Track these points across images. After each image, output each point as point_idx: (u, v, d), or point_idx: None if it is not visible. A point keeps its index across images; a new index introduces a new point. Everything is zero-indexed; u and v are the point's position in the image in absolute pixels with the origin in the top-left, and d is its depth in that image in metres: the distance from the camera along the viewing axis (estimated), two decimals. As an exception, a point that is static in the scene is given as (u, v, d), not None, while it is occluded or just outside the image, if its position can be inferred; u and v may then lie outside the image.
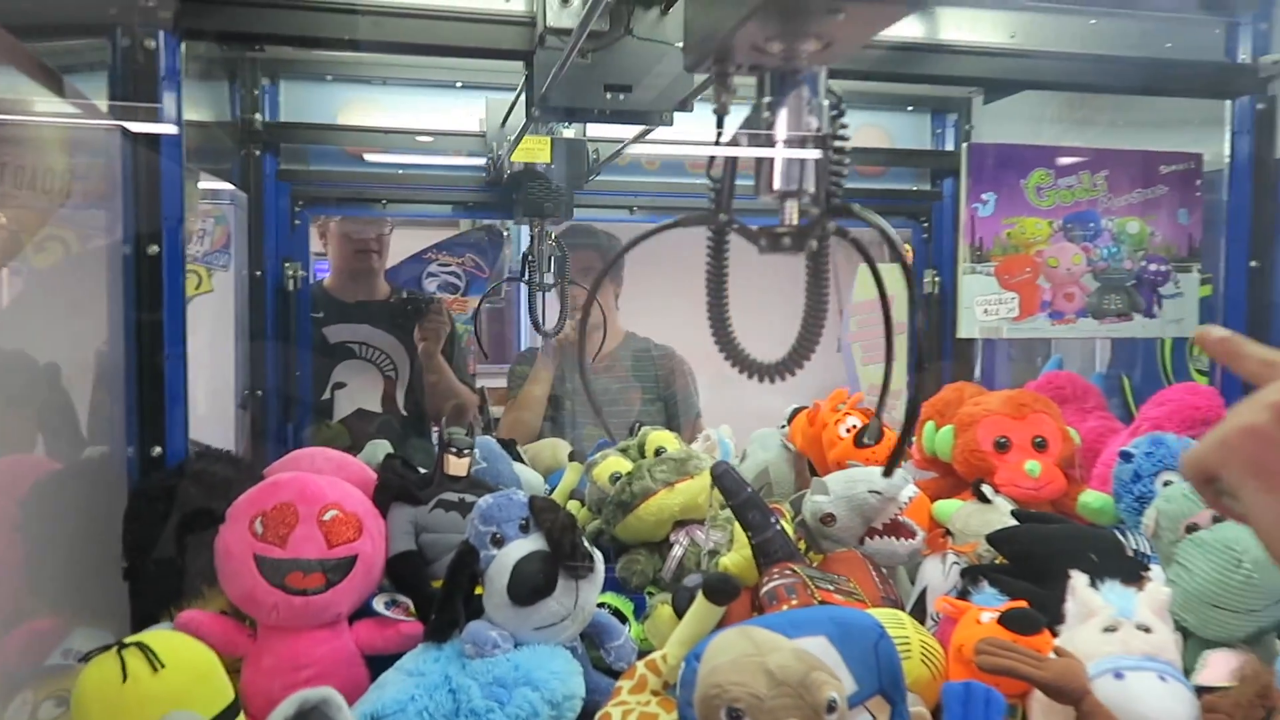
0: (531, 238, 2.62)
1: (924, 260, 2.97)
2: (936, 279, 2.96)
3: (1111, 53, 2.06)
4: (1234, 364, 0.56)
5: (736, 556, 1.61)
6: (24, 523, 1.51)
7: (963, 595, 1.56)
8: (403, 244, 3.98)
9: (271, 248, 2.63)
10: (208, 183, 2.47)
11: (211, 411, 2.75)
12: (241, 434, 2.62)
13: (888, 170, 2.99)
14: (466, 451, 1.73)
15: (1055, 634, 1.31)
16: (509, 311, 5.16)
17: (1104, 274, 2.28)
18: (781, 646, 1.05)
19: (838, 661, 1.17)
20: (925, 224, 3.00)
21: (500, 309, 5.08)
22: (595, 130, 2.30)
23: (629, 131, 1.98)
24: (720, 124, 1.02)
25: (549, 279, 2.63)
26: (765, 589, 1.46)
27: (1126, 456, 1.76)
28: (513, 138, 2.19)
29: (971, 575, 1.56)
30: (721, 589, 1.35)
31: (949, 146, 2.95)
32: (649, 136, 1.93)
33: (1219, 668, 1.25)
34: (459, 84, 2.66)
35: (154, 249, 1.59)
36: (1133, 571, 1.50)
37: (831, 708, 1.01)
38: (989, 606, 1.39)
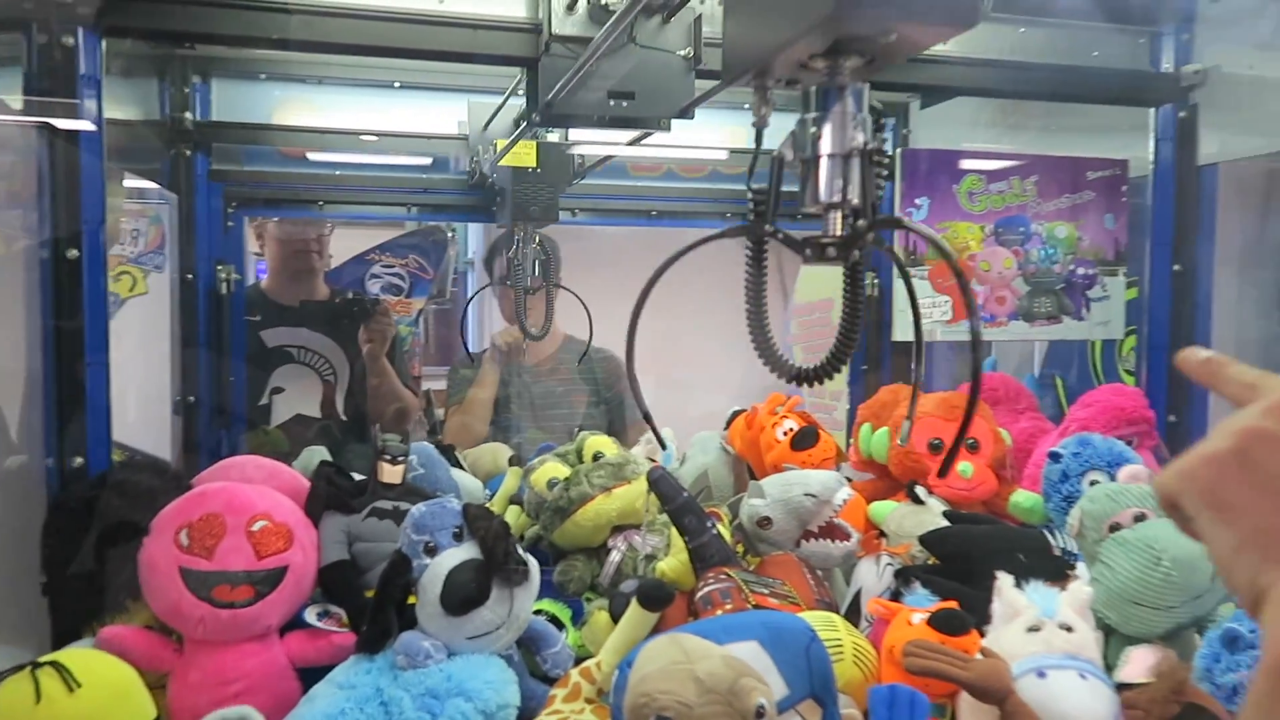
0: (516, 241, 2.62)
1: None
2: (876, 281, 2.99)
3: (1041, 60, 2.10)
4: (1215, 386, 0.56)
5: (674, 561, 1.61)
6: (-65, 538, 1.46)
7: (896, 596, 1.58)
8: (348, 244, 3.92)
9: (203, 250, 2.57)
10: (134, 183, 2.41)
11: (148, 418, 2.68)
12: (177, 441, 2.56)
13: (826, 174, 3.02)
14: (401, 459, 1.71)
15: (983, 634, 1.33)
16: (456, 313, 5.11)
17: (1034, 278, 2.33)
18: (711, 653, 1.05)
19: (769, 666, 1.17)
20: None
21: (447, 310, 5.03)
22: (575, 134, 2.29)
23: (613, 136, 2.00)
24: (759, 137, 1.05)
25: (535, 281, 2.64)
26: (700, 594, 1.46)
27: (1055, 457, 1.79)
28: (497, 141, 2.21)
29: (904, 576, 1.58)
30: (655, 595, 1.35)
31: (888, 150, 2.98)
32: (624, 141, 1.95)
33: (1139, 664, 1.28)
34: (397, 84, 2.63)
35: (73, 252, 1.54)
36: (1059, 570, 1.54)
37: (760, 713, 1.01)
38: (920, 607, 1.41)
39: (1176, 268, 2.24)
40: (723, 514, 1.83)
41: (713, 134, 2.62)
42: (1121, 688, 1.23)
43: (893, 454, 1.94)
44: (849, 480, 2.14)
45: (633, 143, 1.93)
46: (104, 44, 1.58)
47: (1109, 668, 1.38)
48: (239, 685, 1.46)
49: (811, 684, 1.18)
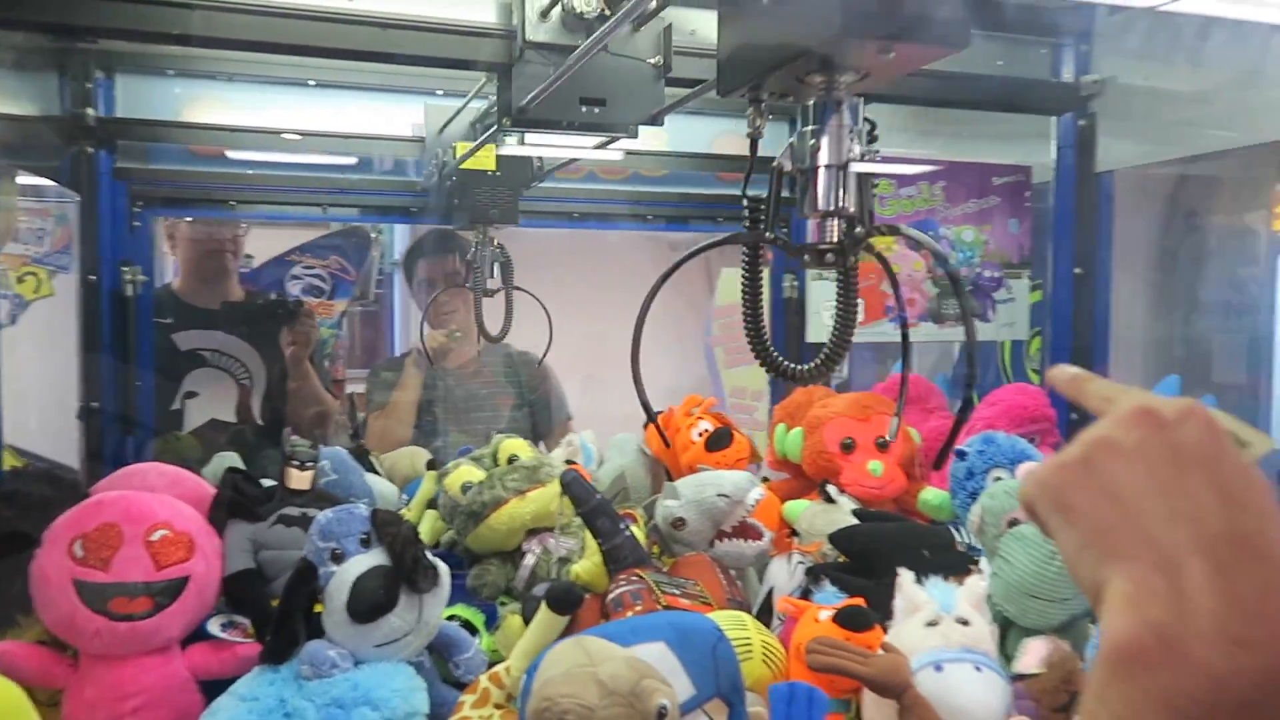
0: (475, 244, 2.61)
1: (783, 264, 3.04)
2: (795, 283, 3.04)
3: (948, 69, 2.16)
4: (1080, 400, 0.59)
5: (588, 564, 1.61)
6: None
7: (807, 594, 1.60)
8: (269, 245, 3.84)
9: (108, 251, 2.48)
10: (30, 180, 2.32)
11: (52, 425, 2.59)
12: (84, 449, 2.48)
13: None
14: (310, 464, 1.68)
15: (886, 629, 1.36)
16: (382, 314, 5.02)
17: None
18: (614, 656, 1.05)
19: (676, 667, 1.18)
20: (784, 229, 3.07)
21: (373, 312, 4.95)
22: (532, 139, 2.29)
23: (573, 141, 2.03)
24: (754, 148, 1.11)
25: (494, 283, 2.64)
26: (611, 596, 1.46)
27: (961, 455, 1.84)
28: (457, 145, 2.23)
29: (814, 574, 1.60)
30: (564, 599, 1.35)
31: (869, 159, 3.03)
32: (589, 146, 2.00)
33: (1034, 655, 1.33)
34: (312, 82, 2.58)
35: (-47, 254, 1.48)
36: (963, 566, 1.58)
37: (662, 714, 1.02)
38: (828, 605, 1.44)
39: (1078, 271, 2.32)
40: (638, 515, 1.84)
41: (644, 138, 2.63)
42: (1017, 678, 1.27)
43: (806, 453, 1.97)
44: (766, 480, 2.18)
45: (599, 147, 1.98)
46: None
47: (1009, 659, 1.43)
48: (137, 700, 1.42)
49: (718, 683, 1.20)
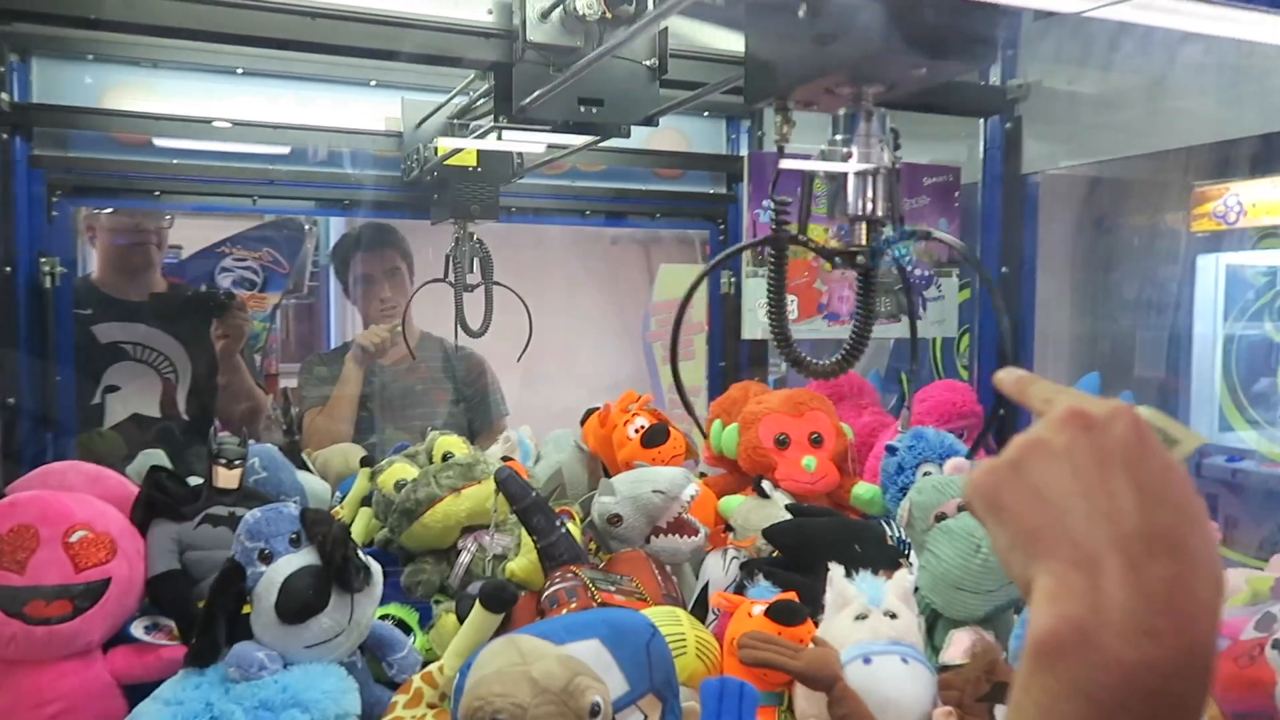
0: (456, 239, 2.58)
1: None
2: (733, 279, 3.06)
3: (881, 70, 2.19)
4: (1023, 402, 0.61)
5: (523, 561, 1.61)
6: None
7: (741, 589, 1.62)
8: (200, 235, 3.75)
9: (24, 240, 2.39)
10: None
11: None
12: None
13: (685, 174, 3.07)
14: (237, 462, 1.64)
15: (818, 623, 1.39)
16: (318, 307, 4.93)
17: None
18: (547, 654, 1.05)
19: (610, 664, 1.18)
20: (721, 226, 3.10)
21: (309, 304, 4.85)
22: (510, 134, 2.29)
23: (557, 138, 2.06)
24: (781, 153, 1.18)
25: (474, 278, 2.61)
26: (547, 594, 1.46)
27: (891, 450, 1.88)
28: (439, 143, 2.24)
29: (748, 569, 1.62)
30: (497, 597, 1.34)
31: (743, 152, 3.05)
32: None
33: (959, 646, 1.36)
34: (240, 70, 2.52)
35: None
36: (893, 560, 1.61)
37: (595, 712, 1.02)
38: (761, 599, 1.45)
39: (1004, 270, 2.38)
40: (575, 512, 1.84)
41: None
42: (943, 669, 1.30)
43: (741, 449, 1.99)
44: (703, 475, 2.19)
45: (588, 146, 2.05)
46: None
47: (937, 649, 1.46)
48: (57, 706, 1.39)
49: (652, 679, 1.20)
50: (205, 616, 1.38)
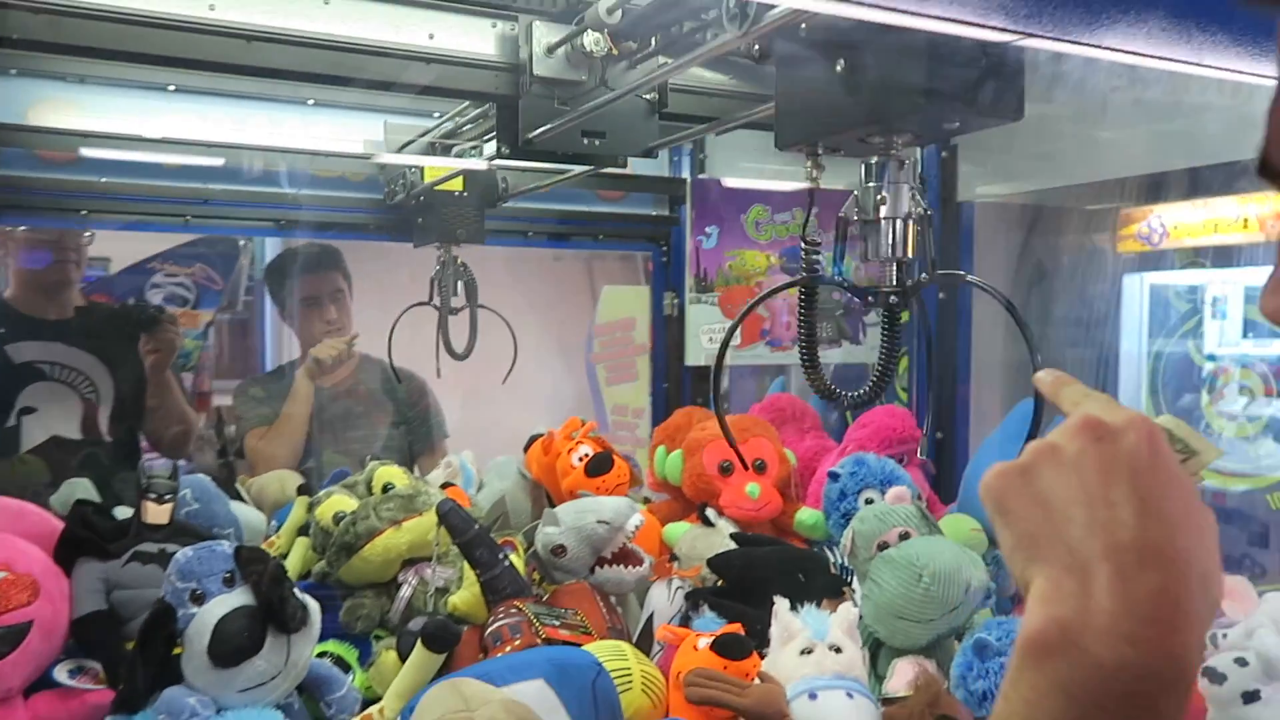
0: (441, 262, 2.58)
1: (663, 283, 3.07)
2: (675, 301, 3.06)
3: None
4: (1056, 403, 0.64)
5: (466, 594, 1.58)
6: None
7: (686, 620, 1.62)
8: (130, 249, 3.64)
9: (-62, 260, 2.30)
10: None
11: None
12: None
13: (627, 195, 3.07)
14: (168, 496, 1.59)
15: (764, 655, 1.39)
16: (253, 324, 4.81)
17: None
18: (491, 699, 1.04)
19: (555, 705, 1.17)
20: (664, 248, 3.10)
21: (244, 321, 4.74)
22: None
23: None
24: (811, 198, 1.26)
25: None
26: (490, 630, 1.44)
27: (834, 476, 1.89)
28: (426, 168, 2.28)
29: (693, 600, 1.62)
30: (440, 636, 1.32)
31: (684, 174, 3.07)
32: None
33: (902, 677, 1.37)
34: (171, 87, 2.45)
35: None
36: (836, 589, 1.62)
37: (540, 758, 1.01)
38: (707, 631, 1.45)
39: (941, 296, 2.42)
40: (518, 543, 1.81)
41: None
42: (886, 701, 1.32)
43: (685, 476, 1.99)
44: (647, 501, 2.19)
45: (583, 174, 2.06)
46: None
47: (880, 679, 1.47)
48: (-27, 757, 1.32)
49: (598, 718, 1.19)
50: (133, 660, 1.33)
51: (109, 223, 2.67)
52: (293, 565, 1.85)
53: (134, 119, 2.45)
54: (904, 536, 1.54)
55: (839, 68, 1.13)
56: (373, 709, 1.34)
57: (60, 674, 1.43)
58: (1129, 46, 1.07)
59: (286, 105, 2.58)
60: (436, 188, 2.38)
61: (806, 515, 1.97)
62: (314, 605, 1.40)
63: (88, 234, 2.76)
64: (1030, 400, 2.01)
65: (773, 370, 2.98)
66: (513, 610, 1.47)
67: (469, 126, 2.07)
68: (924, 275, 1.23)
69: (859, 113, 1.12)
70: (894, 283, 1.21)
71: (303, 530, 1.94)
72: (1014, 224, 2.58)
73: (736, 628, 1.45)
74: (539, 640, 1.40)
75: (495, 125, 1.75)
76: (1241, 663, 1.21)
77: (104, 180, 2.51)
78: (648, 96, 1.70)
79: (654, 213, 3.12)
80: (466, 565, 1.58)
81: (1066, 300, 3.31)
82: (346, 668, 1.60)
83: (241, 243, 4.23)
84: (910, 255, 1.18)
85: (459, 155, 2.19)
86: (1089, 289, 3.59)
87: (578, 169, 2.04)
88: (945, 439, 2.40)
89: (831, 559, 1.75)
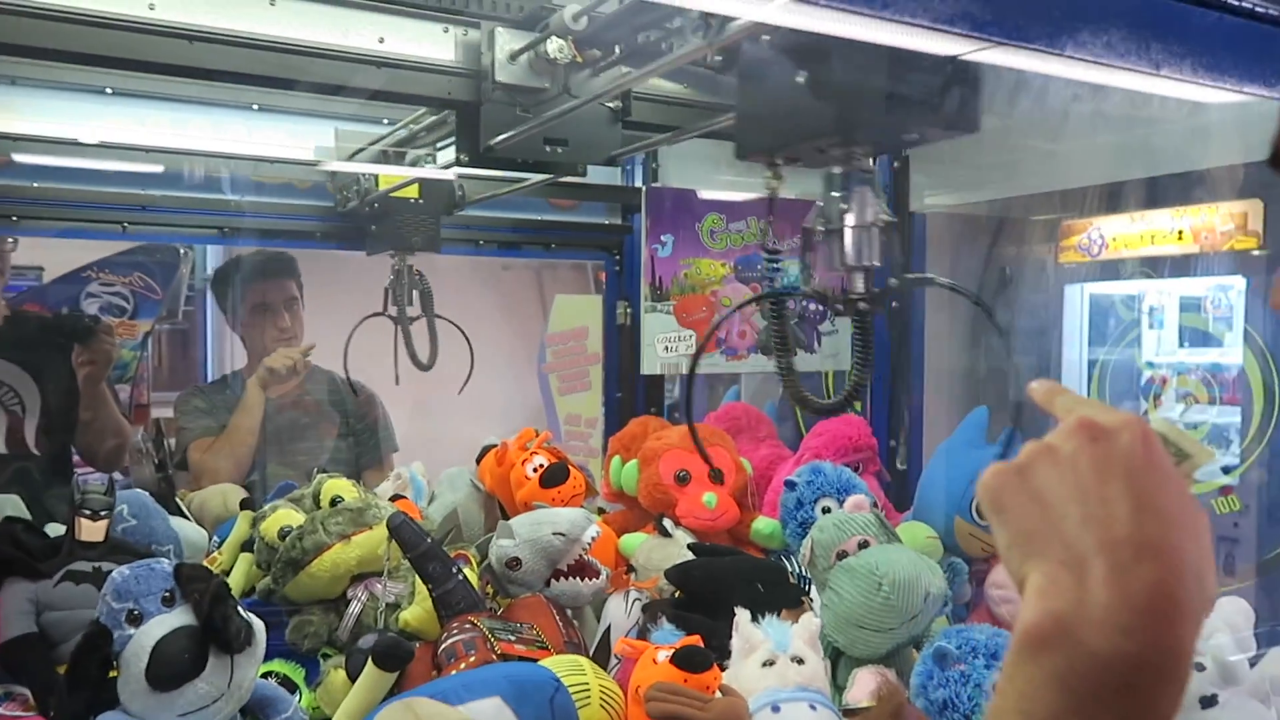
0: (396, 271, 2.51)
1: (616, 292, 3.05)
2: (628, 310, 3.05)
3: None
4: (1050, 411, 0.64)
5: (418, 610, 1.54)
6: None
7: (644, 632, 1.59)
8: (67, 258, 3.52)
9: None
10: None
11: None
12: None
13: (580, 204, 3.05)
14: (104, 513, 1.53)
15: (724, 667, 1.37)
16: (194, 335, 4.68)
17: (769, 313, 2.45)
18: (448, 718, 1.00)
19: (512, 722, 1.14)
20: (618, 256, 3.09)
21: (183, 331, 4.61)
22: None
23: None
24: (771, 207, 1.28)
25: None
26: (444, 647, 1.40)
27: (790, 485, 1.89)
28: (380, 175, 2.23)
29: (651, 612, 1.59)
30: (392, 654, 1.28)
31: (638, 183, 3.05)
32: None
33: (863, 687, 1.36)
34: (108, 90, 2.38)
35: None
36: (796, 599, 1.61)
37: (499, 779, 0.97)
38: (666, 644, 1.42)
39: (894, 304, 2.44)
40: (471, 555, 1.78)
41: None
42: (848, 712, 1.30)
43: (641, 486, 1.97)
44: (601, 511, 2.16)
45: (540, 183, 2.10)
46: None
47: (840, 689, 1.46)
48: (-110, 792, 1.25)
49: (556, 736, 1.16)
50: (66, 684, 1.27)
51: (42, 230, 2.58)
52: (236, 582, 1.79)
53: (69, 123, 2.36)
54: (863, 545, 1.54)
55: (799, 79, 1.14)
56: (321, 731, 1.29)
57: (-13, 701, 1.37)
58: (1089, 56, 1.08)
59: (231, 110, 2.51)
60: (392, 194, 2.33)
61: (764, 524, 1.96)
62: (259, 624, 1.34)
63: (10, 241, 2.65)
64: (984, 409, 2.03)
65: (726, 379, 2.97)
66: (467, 626, 1.43)
67: (424, 133, 2.04)
68: (893, 280, 1.23)
69: (818, 124, 1.13)
70: (863, 290, 1.23)
71: (246, 546, 1.88)
72: (965, 234, 2.62)
73: (696, 640, 1.42)
74: (494, 656, 1.37)
75: (453, 132, 1.73)
76: (1198, 667, 1.22)
77: (36, 185, 2.43)
78: (611, 105, 1.69)
79: (607, 221, 3.10)
80: (418, 580, 1.54)
81: (1016, 310, 3.36)
82: (293, 688, 1.55)
83: (182, 251, 4.11)
84: (878, 262, 1.18)
85: (414, 163, 2.15)
86: (1035, 299, 3.66)
87: (537, 177, 2.02)
88: (898, 447, 2.42)
89: (789, 568, 1.74)
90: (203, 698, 1.26)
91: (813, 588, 1.67)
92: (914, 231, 2.45)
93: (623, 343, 3.06)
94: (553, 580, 1.67)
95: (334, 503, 1.72)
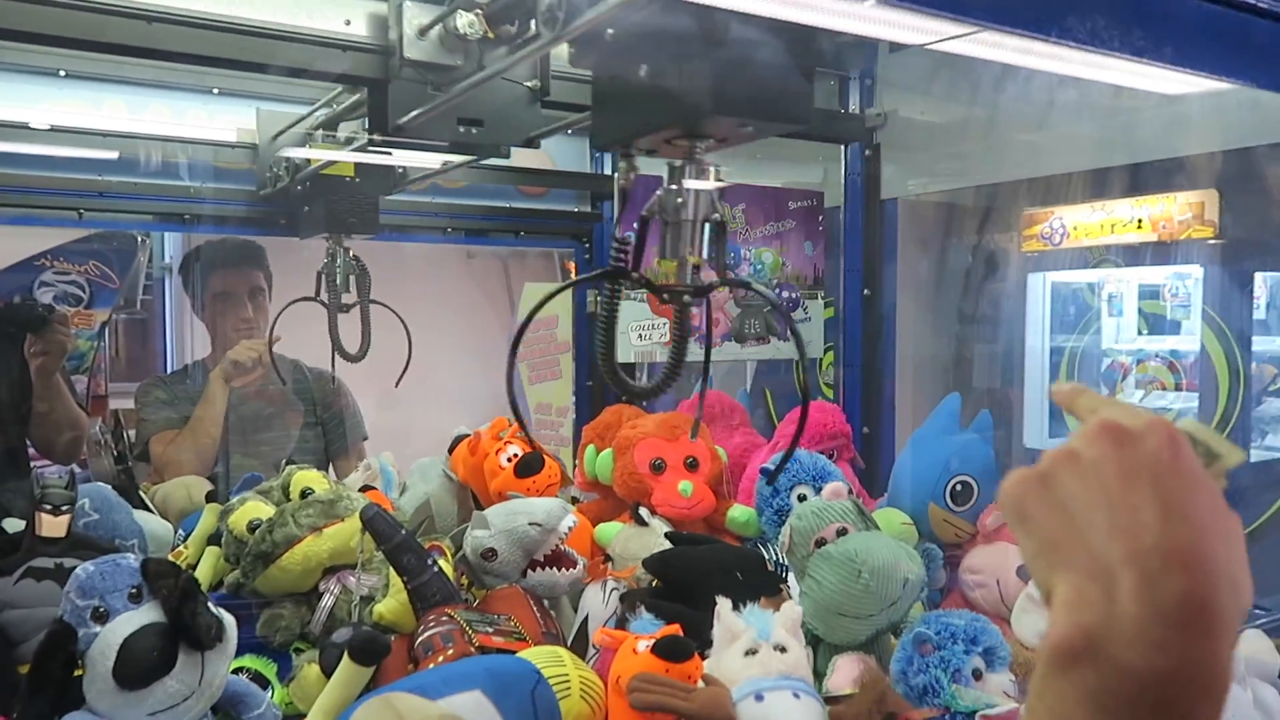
0: (330, 254, 2.38)
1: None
2: (599, 299, 3.02)
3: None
4: (1073, 412, 0.62)
5: (392, 603, 1.51)
6: None
7: (622, 622, 1.58)
8: (13, 245, 3.42)
9: None
10: None
11: None
12: None
13: (549, 191, 3.02)
14: (65, 507, 1.48)
15: (705, 656, 1.36)
16: (153, 324, 4.58)
17: (744, 300, 2.46)
18: (428, 715, 0.98)
19: (493, 716, 1.13)
20: (587, 244, 3.06)
21: (142, 321, 4.51)
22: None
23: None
24: (624, 198, 1.27)
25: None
26: (420, 640, 1.38)
27: (766, 473, 1.88)
28: (311, 155, 2.12)
29: (629, 601, 1.58)
30: (368, 648, 1.25)
31: (607, 170, 3.03)
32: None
33: (844, 674, 1.36)
34: (62, 72, 2.31)
35: None
36: (774, 586, 1.61)
37: (483, 774, 0.96)
38: (645, 634, 1.41)
39: (866, 292, 2.44)
40: (446, 547, 1.75)
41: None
42: (830, 699, 1.30)
43: (616, 475, 1.95)
44: (575, 501, 2.14)
45: (465, 164, 2.02)
46: None
47: (819, 675, 1.46)
48: None
49: (538, 728, 1.15)
50: (29, 684, 1.23)
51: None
52: (203, 576, 1.74)
53: (21, 107, 2.29)
54: (842, 532, 1.53)
55: (642, 72, 1.15)
56: (296, 728, 1.27)
57: (-56, 703, 1.32)
58: (1076, 40, 1.08)
59: (191, 94, 2.45)
60: (323, 172, 2.22)
61: (739, 512, 1.96)
62: (229, 619, 1.31)
63: None
64: (957, 395, 2.04)
65: (696, 368, 2.96)
66: (444, 618, 1.41)
67: (346, 113, 1.96)
68: (715, 278, 1.27)
69: (658, 115, 1.15)
70: (688, 281, 1.25)
71: (212, 539, 1.84)
72: (936, 222, 2.63)
73: (675, 629, 1.41)
74: (472, 649, 1.35)
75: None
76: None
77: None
78: (529, 84, 1.64)
79: (577, 209, 3.08)
80: (392, 572, 1.51)
81: (984, 298, 3.40)
82: (265, 683, 1.52)
83: (140, 238, 4.02)
84: (703, 256, 1.22)
85: (348, 141, 2.06)
86: (1001, 288, 3.69)
87: (459, 158, 1.97)
88: (871, 433, 2.43)
89: (767, 556, 1.73)
90: (173, 696, 1.22)
91: (790, 575, 1.66)
92: (885, 218, 2.45)
93: (592, 331, 3.04)
94: (529, 571, 1.66)
95: (304, 495, 1.68)
